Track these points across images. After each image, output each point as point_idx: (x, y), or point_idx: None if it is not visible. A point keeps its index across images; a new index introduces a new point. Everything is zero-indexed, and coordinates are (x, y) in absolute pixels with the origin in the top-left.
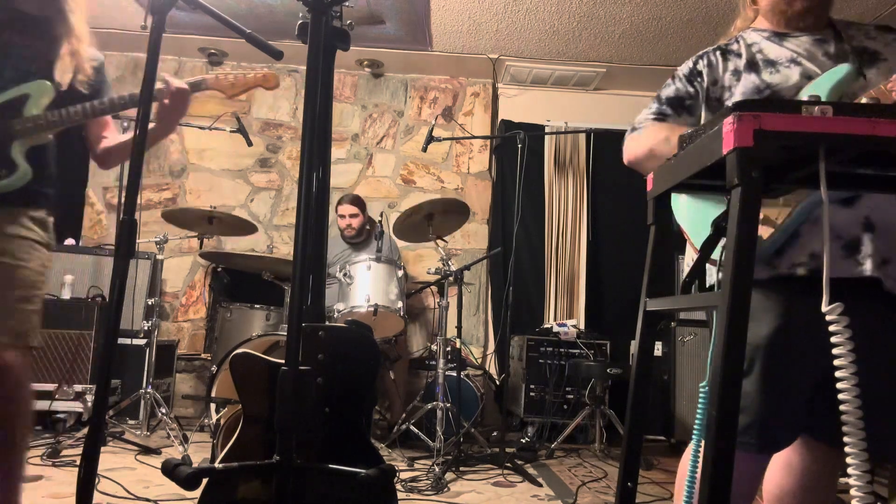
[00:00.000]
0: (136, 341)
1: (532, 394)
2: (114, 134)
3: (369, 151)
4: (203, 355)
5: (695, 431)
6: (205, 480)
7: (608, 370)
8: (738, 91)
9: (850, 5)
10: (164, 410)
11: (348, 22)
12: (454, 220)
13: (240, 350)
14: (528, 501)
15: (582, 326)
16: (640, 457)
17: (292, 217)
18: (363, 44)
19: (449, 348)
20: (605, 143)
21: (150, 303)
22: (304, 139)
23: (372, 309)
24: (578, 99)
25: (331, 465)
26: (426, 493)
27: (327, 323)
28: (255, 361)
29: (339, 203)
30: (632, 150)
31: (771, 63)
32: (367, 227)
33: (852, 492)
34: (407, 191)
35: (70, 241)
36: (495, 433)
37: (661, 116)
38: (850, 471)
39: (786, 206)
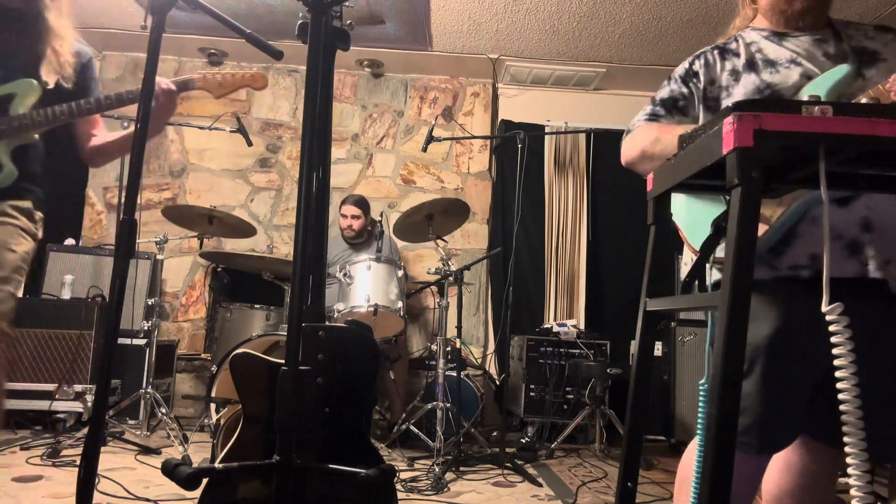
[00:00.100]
0: (136, 341)
1: (532, 394)
2: (103, 132)
3: (369, 151)
4: (203, 355)
5: (699, 431)
6: (205, 480)
7: (608, 370)
8: (738, 91)
9: (850, 5)
10: (164, 410)
11: (348, 22)
12: (454, 220)
13: (240, 350)
14: (528, 501)
15: (582, 326)
16: (640, 457)
17: (292, 217)
18: (363, 44)
19: (449, 348)
20: (605, 143)
21: (150, 303)
22: (304, 139)
23: (372, 309)
24: (578, 99)
25: (331, 465)
26: (426, 493)
27: (327, 323)
28: (255, 361)
29: (344, 202)
30: (626, 152)
31: (771, 63)
32: (369, 229)
33: (852, 492)
34: (407, 191)
35: (70, 241)
36: (495, 433)
37: (653, 117)
38: (850, 471)
39: (780, 204)
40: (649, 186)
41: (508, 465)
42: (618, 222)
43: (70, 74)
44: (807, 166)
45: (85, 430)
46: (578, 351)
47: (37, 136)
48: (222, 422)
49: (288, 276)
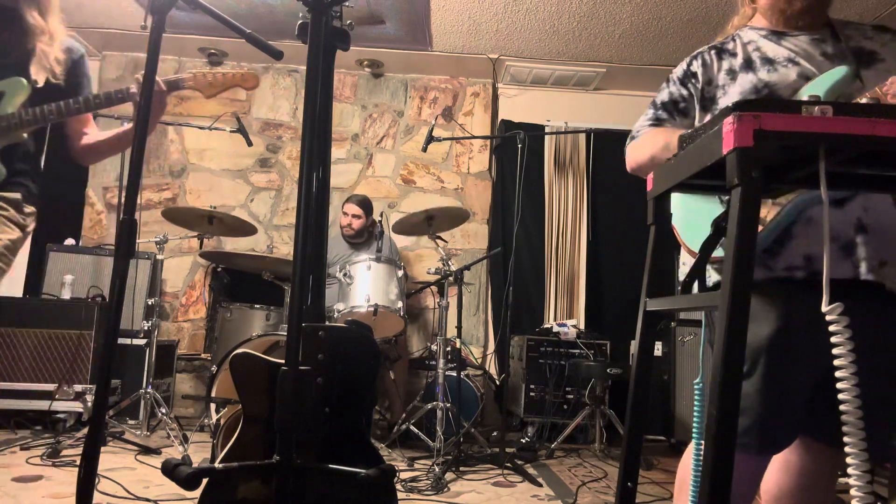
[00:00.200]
0: (136, 341)
1: (532, 394)
2: (94, 130)
3: (369, 151)
4: (203, 355)
5: (694, 431)
6: (205, 480)
7: (608, 370)
8: (735, 90)
9: (849, 5)
10: (164, 410)
11: (348, 22)
12: (454, 223)
13: (240, 350)
14: (528, 501)
15: (582, 326)
16: (640, 457)
17: (292, 217)
18: (363, 44)
19: (449, 348)
20: (605, 143)
21: (150, 303)
22: (304, 139)
23: (372, 309)
24: (578, 99)
25: (331, 465)
26: (426, 493)
27: (327, 323)
28: (255, 361)
29: (347, 201)
30: (634, 158)
31: (769, 61)
32: (370, 229)
33: (852, 492)
34: (407, 191)
35: (70, 241)
36: (495, 433)
37: (657, 122)
38: (850, 471)
39: (775, 204)
40: (649, 186)
41: (508, 465)
42: (618, 222)
43: (60, 72)
44: (807, 166)
45: (85, 430)
46: (578, 351)
47: (25, 135)
48: (222, 422)
49: (288, 276)
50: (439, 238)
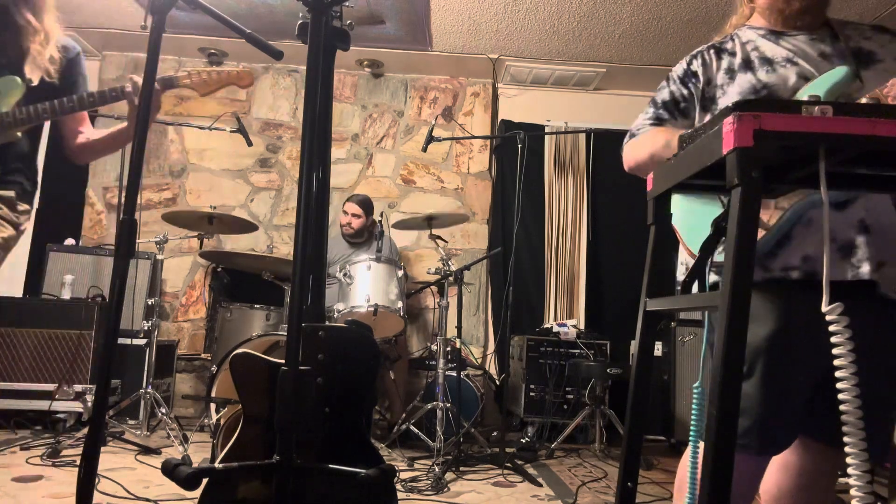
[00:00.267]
0: (136, 341)
1: (532, 394)
2: (90, 129)
3: (369, 151)
4: (203, 355)
5: (691, 433)
6: (205, 480)
7: (608, 370)
8: (734, 90)
9: (849, 5)
10: (164, 410)
11: (348, 22)
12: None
13: (240, 350)
14: (528, 501)
15: (582, 326)
16: (640, 457)
17: (292, 217)
18: (363, 44)
19: (449, 348)
20: (605, 143)
21: (150, 303)
22: (304, 139)
23: (372, 309)
24: (578, 99)
25: (331, 465)
26: (426, 493)
27: (327, 323)
28: (255, 361)
29: (348, 200)
30: (632, 156)
31: (767, 61)
32: (370, 229)
33: (852, 492)
34: (407, 191)
35: (70, 241)
36: (495, 433)
37: (658, 121)
38: (850, 471)
39: (777, 208)
40: (649, 186)
41: (508, 465)
42: (618, 222)
43: (55, 71)
44: (807, 166)
45: (85, 430)
46: (578, 351)
47: (19, 134)
48: (222, 422)
49: (288, 276)
50: (439, 238)
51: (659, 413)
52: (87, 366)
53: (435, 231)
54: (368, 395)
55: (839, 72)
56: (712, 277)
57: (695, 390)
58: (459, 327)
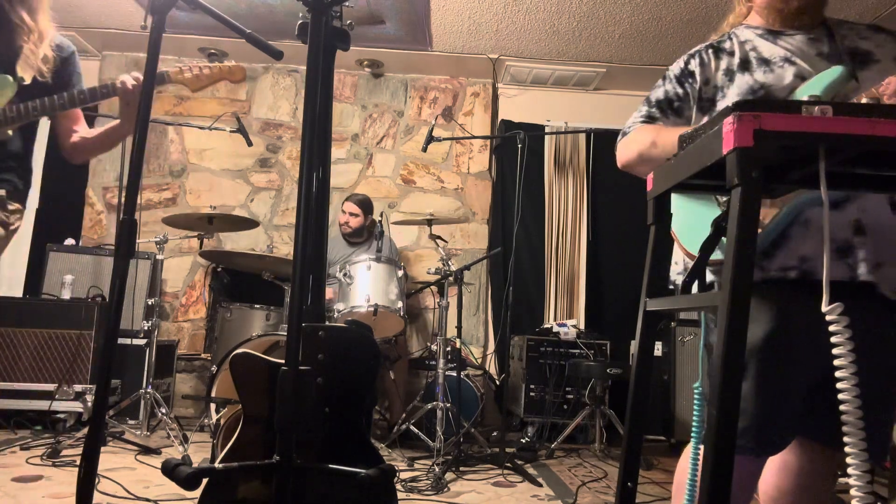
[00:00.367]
0: (136, 341)
1: (532, 394)
2: (84, 128)
3: (369, 151)
4: (203, 355)
5: (693, 433)
6: (205, 480)
7: (608, 370)
8: (732, 91)
9: (849, 5)
10: (164, 410)
11: (348, 22)
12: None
13: (240, 350)
14: (528, 501)
15: (582, 326)
16: (640, 457)
17: (292, 217)
18: (363, 44)
19: (449, 348)
20: (605, 143)
21: (150, 303)
22: (304, 139)
23: (372, 309)
24: (578, 99)
25: (331, 465)
26: (426, 493)
27: (327, 323)
28: (255, 361)
29: (346, 199)
30: (623, 155)
31: (765, 62)
32: (369, 229)
33: (852, 492)
34: (407, 191)
35: (70, 241)
36: (495, 433)
37: (649, 119)
38: (850, 471)
39: (772, 207)
40: (649, 186)
41: (508, 465)
42: (618, 222)
43: (48, 70)
44: (806, 166)
45: (85, 430)
46: (578, 351)
47: (10, 132)
48: (222, 422)
49: (288, 276)
50: (439, 238)
51: (659, 413)
52: (87, 366)
53: (435, 231)
54: (368, 395)
55: (835, 71)
56: (708, 276)
57: (695, 390)
58: (459, 327)
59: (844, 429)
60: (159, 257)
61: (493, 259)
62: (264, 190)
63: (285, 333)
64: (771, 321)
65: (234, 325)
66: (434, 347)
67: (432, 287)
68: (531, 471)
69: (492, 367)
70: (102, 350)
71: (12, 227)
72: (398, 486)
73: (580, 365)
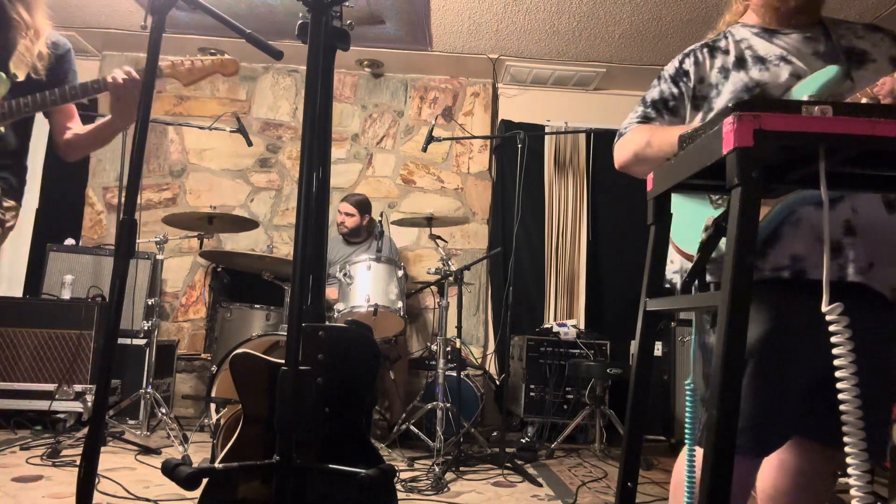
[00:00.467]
0: (136, 341)
1: (532, 394)
2: (77, 125)
3: (369, 151)
4: (203, 355)
5: (686, 432)
6: (205, 480)
7: (608, 370)
8: (727, 89)
9: (849, 5)
10: (164, 410)
11: (348, 22)
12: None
13: (240, 350)
14: (528, 501)
15: (582, 326)
16: (640, 457)
17: (292, 217)
18: (363, 44)
19: (449, 348)
20: (605, 143)
21: (150, 303)
22: (304, 139)
23: (372, 309)
24: (578, 99)
25: (331, 465)
26: (426, 493)
27: (327, 323)
28: (255, 361)
29: (343, 199)
30: (619, 155)
31: (761, 60)
32: (368, 229)
33: (852, 492)
34: (407, 191)
35: (70, 241)
36: (495, 433)
37: (645, 119)
38: (850, 471)
39: (764, 205)
40: (649, 186)
41: (508, 465)
42: (618, 222)
43: (42, 67)
44: (806, 166)
45: (85, 430)
46: (578, 351)
47: (3, 129)
48: (222, 422)
49: (288, 276)
50: (439, 238)
51: (659, 413)
52: (87, 366)
53: (435, 231)
54: (368, 395)
55: (830, 71)
56: (708, 276)
57: (687, 387)
58: (459, 327)
59: (844, 429)
60: (159, 257)
61: (493, 259)
62: (264, 190)
63: (285, 333)
64: (769, 321)
65: (234, 325)
66: (434, 347)
67: (432, 287)
68: (531, 471)
69: (492, 367)
70: (102, 350)
71: (8, 225)
72: (398, 486)
73: (580, 365)
